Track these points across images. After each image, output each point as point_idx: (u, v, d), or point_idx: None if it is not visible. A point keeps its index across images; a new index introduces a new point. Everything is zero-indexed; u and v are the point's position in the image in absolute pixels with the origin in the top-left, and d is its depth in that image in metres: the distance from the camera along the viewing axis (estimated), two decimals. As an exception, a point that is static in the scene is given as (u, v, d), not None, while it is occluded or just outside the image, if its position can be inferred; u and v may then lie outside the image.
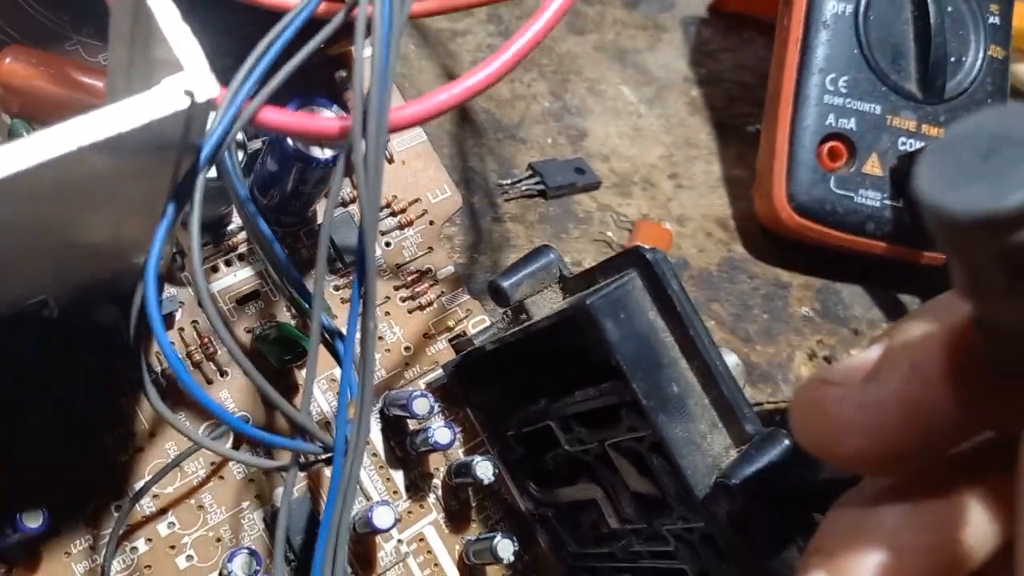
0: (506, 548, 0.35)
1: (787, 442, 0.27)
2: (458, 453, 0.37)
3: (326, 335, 0.29)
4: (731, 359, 0.33)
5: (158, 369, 0.33)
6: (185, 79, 0.20)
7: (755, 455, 0.27)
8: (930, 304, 0.21)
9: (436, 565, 0.36)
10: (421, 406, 0.34)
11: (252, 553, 0.32)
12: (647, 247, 0.30)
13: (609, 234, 0.45)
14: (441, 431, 0.34)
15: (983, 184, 0.15)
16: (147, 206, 0.26)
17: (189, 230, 0.24)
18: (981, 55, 0.47)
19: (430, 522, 0.37)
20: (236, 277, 0.35)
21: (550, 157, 0.47)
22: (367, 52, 0.23)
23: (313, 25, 0.25)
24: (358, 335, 0.26)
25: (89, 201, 0.24)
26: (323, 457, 0.28)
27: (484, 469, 0.35)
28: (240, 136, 0.34)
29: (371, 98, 0.23)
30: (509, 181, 0.45)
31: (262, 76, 0.24)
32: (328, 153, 0.32)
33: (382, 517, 0.33)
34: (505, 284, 0.33)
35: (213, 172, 0.31)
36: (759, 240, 0.48)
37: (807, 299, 0.47)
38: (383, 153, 0.23)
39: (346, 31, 0.26)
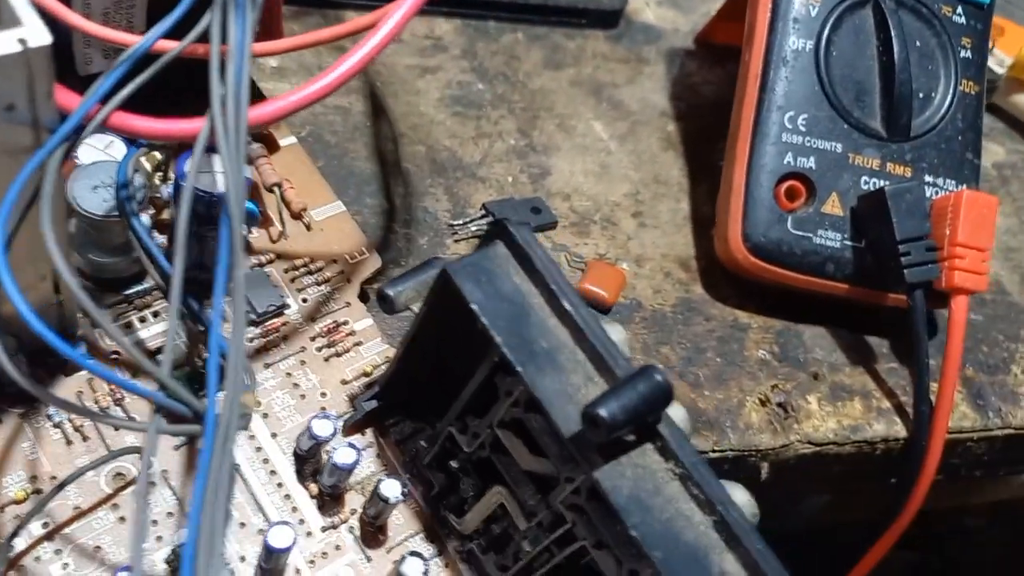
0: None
1: (658, 377, 0.27)
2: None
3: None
4: (617, 333, 0.32)
5: None
6: (21, 31, 0.23)
7: (622, 389, 0.27)
8: None
9: (354, 607, 0.36)
10: (321, 428, 0.33)
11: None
12: (514, 221, 0.31)
13: (560, 274, 0.45)
14: (342, 451, 0.33)
15: None
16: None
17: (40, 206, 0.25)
18: (951, 90, 0.46)
19: (347, 564, 0.37)
20: (149, 331, 0.36)
21: (507, 196, 0.47)
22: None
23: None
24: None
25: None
26: (194, 428, 0.27)
27: (390, 487, 0.34)
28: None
29: (228, 93, 0.25)
30: (460, 221, 0.45)
31: (119, 79, 0.26)
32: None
33: (277, 537, 0.31)
34: (391, 291, 0.33)
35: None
36: (721, 281, 0.47)
37: (766, 341, 0.46)
38: (245, 132, 0.26)
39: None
